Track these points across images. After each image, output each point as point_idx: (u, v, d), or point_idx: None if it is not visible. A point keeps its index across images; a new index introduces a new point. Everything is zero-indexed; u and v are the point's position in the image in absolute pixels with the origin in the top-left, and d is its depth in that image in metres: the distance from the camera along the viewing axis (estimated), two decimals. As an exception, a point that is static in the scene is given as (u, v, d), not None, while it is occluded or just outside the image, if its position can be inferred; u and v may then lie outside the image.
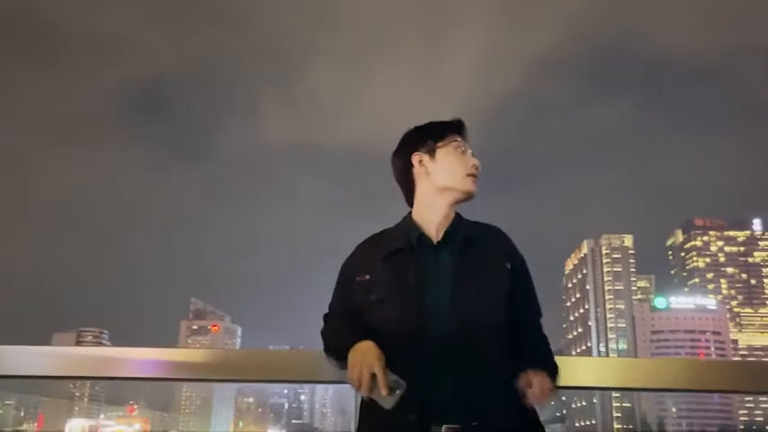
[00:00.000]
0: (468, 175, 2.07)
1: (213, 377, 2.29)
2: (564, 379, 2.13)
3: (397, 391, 1.76)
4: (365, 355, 1.82)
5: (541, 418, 1.96)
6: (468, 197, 2.08)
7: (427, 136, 2.11)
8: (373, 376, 1.78)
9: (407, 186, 2.13)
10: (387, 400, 1.76)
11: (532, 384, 1.82)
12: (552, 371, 1.91)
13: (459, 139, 2.11)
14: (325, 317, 2.13)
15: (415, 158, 2.10)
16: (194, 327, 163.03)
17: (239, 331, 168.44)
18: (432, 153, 2.08)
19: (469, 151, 2.11)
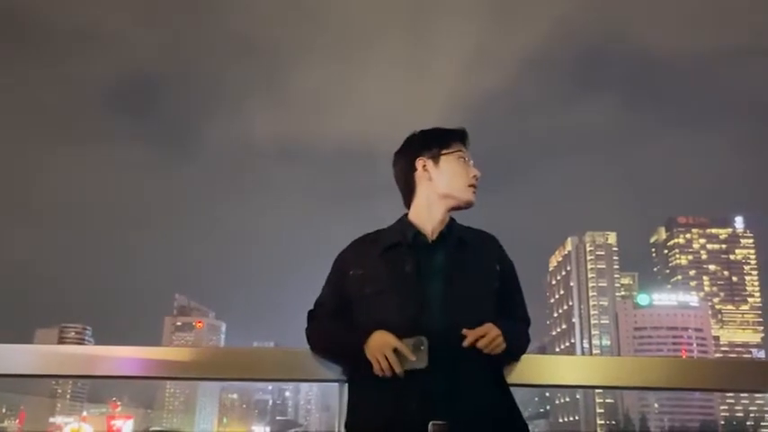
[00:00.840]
0: (470, 185, 2.12)
1: (198, 375, 2.28)
2: (548, 377, 2.20)
3: (422, 347, 1.86)
4: (378, 341, 1.89)
5: (525, 414, 2.00)
6: (467, 206, 2.13)
7: (433, 142, 2.15)
8: (395, 351, 1.86)
9: (408, 188, 2.16)
10: (420, 360, 1.85)
11: (483, 331, 1.89)
12: (510, 336, 1.95)
13: (464, 148, 2.15)
14: (311, 314, 2.14)
15: (419, 163, 2.13)
16: (178, 323, 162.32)
17: (224, 327, 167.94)
18: (436, 159, 2.12)
19: (471, 162, 2.16)
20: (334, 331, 2.05)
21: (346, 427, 1.97)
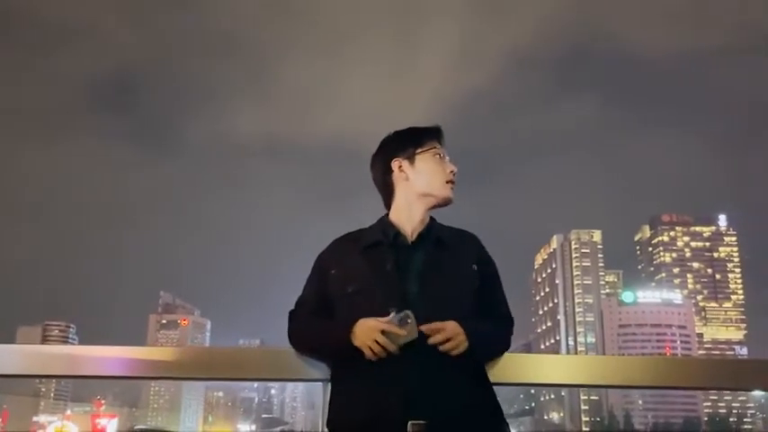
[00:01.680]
0: (447, 182, 2.12)
1: (183, 375, 2.28)
2: (533, 376, 2.21)
3: (409, 320, 1.86)
4: (364, 328, 1.89)
5: (511, 411, 2.00)
6: (446, 203, 2.14)
7: (407, 142, 2.15)
8: (383, 333, 1.86)
9: (386, 190, 2.16)
10: (410, 333, 1.85)
11: (439, 327, 1.88)
12: (476, 336, 1.93)
13: (438, 145, 2.15)
14: (292, 314, 2.13)
15: (395, 164, 2.14)
16: (163, 321, 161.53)
17: (209, 325, 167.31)
18: (411, 159, 2.13)
19: (447, 158, 2.16)
20: (319, 328, 2.04)
21: (327, 425, 1.96)
